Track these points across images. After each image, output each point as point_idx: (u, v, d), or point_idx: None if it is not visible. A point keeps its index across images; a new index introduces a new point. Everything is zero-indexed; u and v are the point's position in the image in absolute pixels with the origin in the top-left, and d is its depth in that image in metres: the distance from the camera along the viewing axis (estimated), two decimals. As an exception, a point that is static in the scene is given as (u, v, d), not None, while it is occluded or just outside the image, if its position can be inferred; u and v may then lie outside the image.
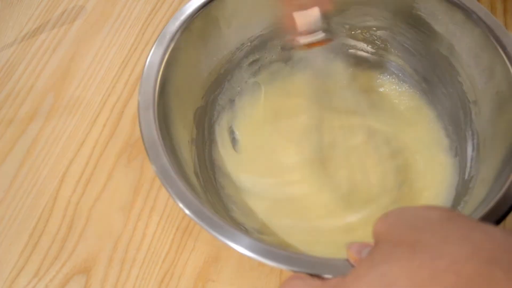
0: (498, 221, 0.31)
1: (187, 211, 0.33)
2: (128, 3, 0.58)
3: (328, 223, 0.43)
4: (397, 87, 0.49)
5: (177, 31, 0.40)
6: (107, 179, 0.46)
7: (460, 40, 0.41)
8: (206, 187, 0.41)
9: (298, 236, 0.42)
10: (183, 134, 0.42)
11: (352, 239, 0.41)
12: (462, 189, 0.40)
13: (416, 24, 0.44)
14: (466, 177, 0.40)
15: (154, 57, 0.39)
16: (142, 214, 0.44)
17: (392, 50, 0.48)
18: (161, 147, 0.35)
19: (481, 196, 0.35)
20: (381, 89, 0.49)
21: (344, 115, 0.48)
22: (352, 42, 0.49)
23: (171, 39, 0.40)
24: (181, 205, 0.33)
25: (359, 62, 0.50)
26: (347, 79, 0.50)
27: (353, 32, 0.48)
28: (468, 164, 0.40)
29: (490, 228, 0.22)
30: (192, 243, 0.43)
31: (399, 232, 0.23)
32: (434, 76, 0.45)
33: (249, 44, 0.48)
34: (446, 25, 0.41)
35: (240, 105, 0.49)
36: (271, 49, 0.49)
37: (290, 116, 0.49)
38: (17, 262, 0.42)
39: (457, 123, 0.43)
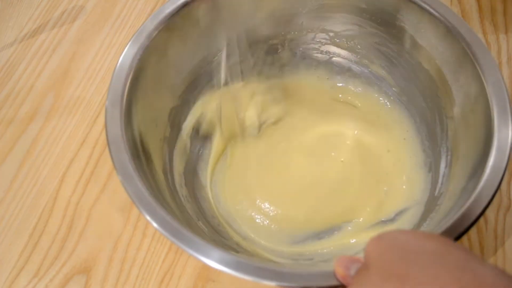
0: (457, 238, 0.31)
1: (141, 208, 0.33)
2: (128, 3, 0.58)
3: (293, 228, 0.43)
4: (379, 98, 0.49)
5: (154, 29, 0.40)
6: (107, 179, 0.46)
7: (441, 55, 0.41)
8: (174, 185, 0.42)
9: (258, 233, 0.42)
10: (155, 132, 0.42)
11: (314, 247, 0.41)
12: (431, 205, 0.39)
13: (400, 36, 0.44)
14: (436, 193, 0.40)
15: (127, 55, 0.39)
16: (142, 214, 0.44)
17: (375, 60, 0.47)
18: (123, 143, 0.35)
19: (445, 212, 0.35)
20: (363, 99, 0.49)
21: (324, 124, 0.48)
22: (336, 50, 0.49)
23: (147, 37, 0.40)
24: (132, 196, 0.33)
25: (342, 71, 0.50)
26: (329, 87, 0.50)
27: (337, 40, 0.48)
28: (440, 181, 0.40)
29: (482, 268, 0.22)
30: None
31: (390, 262, 0.23)
32: (415, 89, 0.45)
33: (231, 46, 0.47)
34: (429, 39, 0.41)
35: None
36: (255, 53, 0.49)
37: (268, 123, 0.48)
38: (17, 262, 0.42)
39: (434, 138, 0.43)
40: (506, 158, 0.33)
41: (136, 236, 0.43)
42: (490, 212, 0.44)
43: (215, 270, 0.41)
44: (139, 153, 0.37)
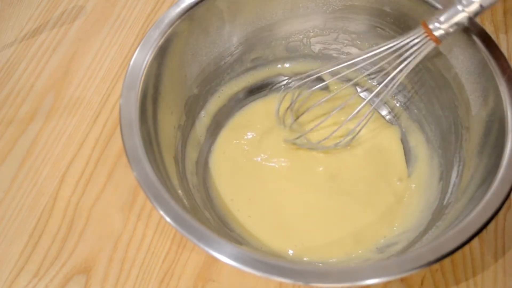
0: (460, 247, 0.31)
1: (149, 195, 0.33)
2: (128, 3, 0.58)
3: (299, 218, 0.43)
4: (396, 104, 0.49)
5: (177, 17, 0.40)
6: (107, 179, 0.46)
7: (461, 64, 0.41)
8: (184, 173, 0.42)
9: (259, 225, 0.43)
10: (170, 119, 0.42)
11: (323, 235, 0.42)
12: (438, 214, 0.39)
13: None
14: (444, 202, 0.40)
15: (148, 39, 0.39)
16: (142, 214, 0.44)
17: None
18: (136, 128, 0.35)
19: (451, 221, 0.35)
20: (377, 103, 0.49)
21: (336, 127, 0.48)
22: (357, 52, 0.49)
23: (170, 25, 0.40)
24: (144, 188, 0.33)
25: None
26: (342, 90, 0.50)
27: (358, 42, 0.48)
28: (450, 190, 0.40)
29: None
30: (192, 243, 0.43)
31: None
32: (433, 97, 0.45)
33: (253, 40, 0.48)
34: (450, 47, 0.41)
35: None
36: (275, 48, 0.49)
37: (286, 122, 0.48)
38: (17, 262, 0.42)
39: (448, 147, 0.43)
40: None
41: (136, 236, 0.43)
42: (490, 212, 0.44)
43: (215, 270, 0.41)
44: (151, 138, 0.38)
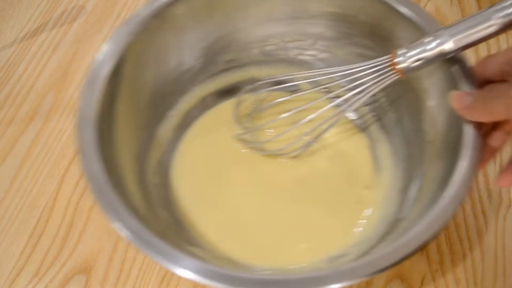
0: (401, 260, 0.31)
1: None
2: (128, 3, 0.58)
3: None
4: (366, 114, 0.48)
5: (148, 16, 0.40)
6: (107, 179, 0.46)
7: (430, 78, 0.40)
8: (145, 172, 0.41)
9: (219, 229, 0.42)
10: (133, 116, 0.41)
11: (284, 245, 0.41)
12: (392, 227, 0.38)
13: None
14: (400, 215, 0.39)
15: (115, 37, 0.39)
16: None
17: None
18: (94, 124, 0.35)
19: (400, 234, 0.34)
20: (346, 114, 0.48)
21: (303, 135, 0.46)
22: (330, 58, 0.48)
23: (139, 24, 0.39)
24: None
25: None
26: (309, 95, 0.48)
27: (334, 49, 0.48)
28: (407, 204, 0.39)
29: None
30: (192, 243, 0.43)
31: None
32: (404, 109, 0.44)
33: (228, 42, 0.47)
34: None
35: None
36: (250, 51, 0.48)
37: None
38: (17, 262, 0.42)
39: (411, 160, 0.42)
40: (465, 188, 0.33)
41: (136, 236, 0.43)
42: (490, 212, 0.44)
43: (215, 270, 0.41)
44: (110, 136, 0.37)
